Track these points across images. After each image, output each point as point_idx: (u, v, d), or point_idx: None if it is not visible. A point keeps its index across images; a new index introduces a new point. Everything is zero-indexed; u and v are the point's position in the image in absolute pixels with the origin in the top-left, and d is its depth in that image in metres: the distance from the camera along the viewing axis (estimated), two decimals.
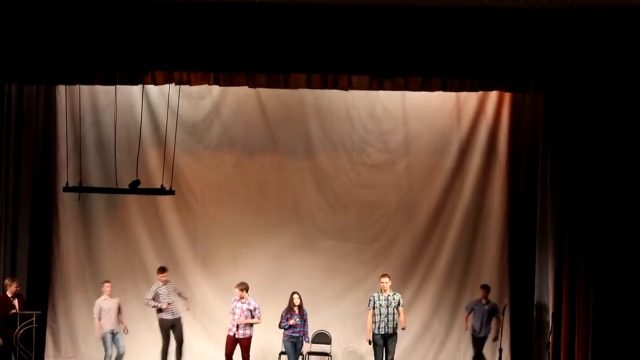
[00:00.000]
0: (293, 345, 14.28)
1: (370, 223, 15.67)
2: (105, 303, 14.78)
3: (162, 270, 14.94)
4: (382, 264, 15.38)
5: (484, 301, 14.84)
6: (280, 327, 14.31)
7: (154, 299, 14.75)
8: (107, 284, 14.89)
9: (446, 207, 15.54)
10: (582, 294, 13.42)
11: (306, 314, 14.33)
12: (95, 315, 14.75)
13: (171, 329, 14.86)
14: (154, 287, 14.81)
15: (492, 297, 15.23)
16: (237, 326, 14.21)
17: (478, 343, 14.93)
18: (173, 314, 14.86)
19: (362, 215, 15.68)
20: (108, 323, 14.71)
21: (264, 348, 15.07)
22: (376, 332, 14.23)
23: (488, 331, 14.82)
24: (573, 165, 13.58)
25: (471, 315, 14.97)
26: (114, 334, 14.73)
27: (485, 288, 14.93)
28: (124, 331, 14.80)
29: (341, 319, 15.44)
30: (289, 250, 15.69)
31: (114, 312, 14.76)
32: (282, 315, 14.30)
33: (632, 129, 13.20)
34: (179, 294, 15.01)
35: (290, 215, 15.73)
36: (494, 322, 14.81)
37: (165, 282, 14.86)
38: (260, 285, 15.03)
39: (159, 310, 14.78)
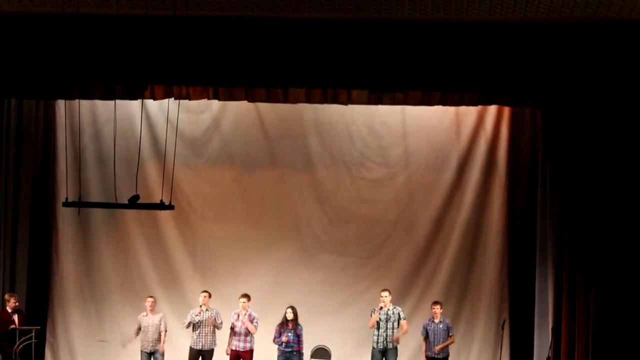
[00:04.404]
0: None
1: (369, 237, 15.65)
2: (145, 320, 14.45)
3: (203, 292, 14.46)
4: (382, 278, 15.37)
5: (437, 319, 14.50)
6: (274, 342, 14.29)
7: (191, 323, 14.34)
8: (149, 299, 14.57)
9: (445, 222, 15.51)
10: (581, 308, 13.40)
11: (301, 329, 14.28)
12: (133, 332, 14.46)
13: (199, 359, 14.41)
14: (191, 312, 14.37)
15: (492, 311, 15.24)
16: (239, 338, 14.21)
17: None
18: (202, 345, 14.32)
19: (361, 229, 15.66)
20: (145, 342, 14.39)
21: None
22: (375, 346, 14.23)
23: (447, 352, 14.46)
24: (572, 180, 13.57)
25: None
26: (152, 355, 14.39)
27: (438, 304, 14.55)
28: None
29: (340, 334, 15.40)
30: (288, 264, 15.68)
31: (152, 330, 14.38)
32: (275, 329, 14.29)
33: (631, 143, 13.22)
34: (215, 325, 14.37)
35: (290, 230, 15.72)
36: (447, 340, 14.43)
37: (205, 307, 14.30)
38: (260, 299, 14.98)
39: (194, 328, 14.28)
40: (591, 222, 13.39)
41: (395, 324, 14.24)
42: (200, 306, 14.33)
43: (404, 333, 14.37)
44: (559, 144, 13.71)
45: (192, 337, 14.36)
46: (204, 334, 14.29)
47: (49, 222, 15.76)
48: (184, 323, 14.40)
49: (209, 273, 15.77)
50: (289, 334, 14.16)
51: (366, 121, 15.62)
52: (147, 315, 14.46)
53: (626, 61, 13.06)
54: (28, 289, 15.28)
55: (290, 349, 14.21)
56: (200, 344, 14.31)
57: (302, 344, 14.30)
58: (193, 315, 14.32)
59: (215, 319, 14.33)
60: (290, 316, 14.20)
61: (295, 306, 14.35)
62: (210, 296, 14.45)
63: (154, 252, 15.81)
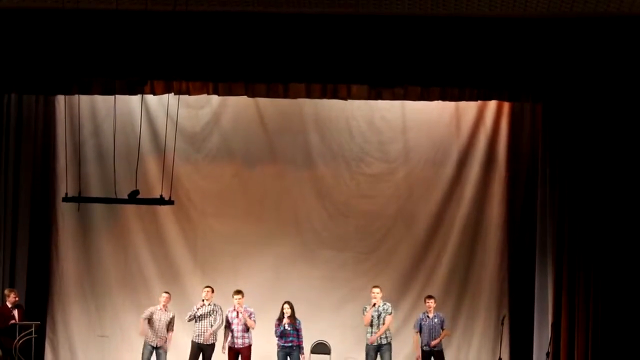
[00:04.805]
0: (285, 355, 14.27)
1: (369, 232, 15.65)
2: (158, 313, 14.46)
3: (207, 287, 14.48)
4: (382, 274, 15.38)
5: (431, 314, 14.48)
6: (276, 335, 14.29)
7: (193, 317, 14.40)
8: (164, 295, 14.58)
9: (445, 217, 15.51)
10: (581, 303, 13.41)
11: (300, 324, 14.28)
12: (144, 317, 14.40)
13: (200, 354, 14.42)
14: (194, 308, 14.39)
15: (492, 306, 15.25)
16: (237, 335, 14.19)
17: (438, 358, 14.47)
18: (203, 340, 14.35)
19: (361, 224, 15.66)
20: (152, 336, 14.43)
21: (263, 359, 15.03)
22: (368, 342, 14.23)
23: (441, 345, 14.44)
24: (573, 174, 13.58)
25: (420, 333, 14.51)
26: (155, 349, 14.44)
27: (432, 298, 14.54)
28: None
29: (340, 329, 15.39)
30: (288, 260, 15.67)
31: (162, 326, 14.43)
32: (275, 324, 14.30)
33: (631, 138, 13.22)
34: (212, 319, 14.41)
35: (290, 225, 15.72)
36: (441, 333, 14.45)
37: (208, 302, 14.35)
38: (260, 294, 15.02)
39: (196, 321, 14.36)
40: (591, 217, 13.40)
41: (386, 320, 14.26)
42: (203, 300, 14.35)
43: (385, 329, 14.32)
44: (559, 139, 13.72)
45: (194, 330, 14.40)
46: (205, 329, 14.33)
47: (49, 217, 15.75)
48: (186, 316, 14.42)
49: (209, 268, 15.76)
50: (289, 328, 14.14)
51: (366, 116, 15.61)
52: (161, 309, 14.49)
53: (626, 56, 13.06)
54: (28, 284, 15.29)
55: (290, 344, 14.21)
56: (202, 338, 14.35)
57: (301, 338, 14.29)
58: (195, 309, 14.35)
59: (212, 315, 14.36)
60: (287, 312, 14.17)
61: (295, 302, 14.33)
62: (213, 291, 14.46)
63: (154, 248, 15.81)
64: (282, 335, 14.19)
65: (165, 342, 14.47)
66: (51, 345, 15.75)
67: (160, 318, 14.44)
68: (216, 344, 14.50)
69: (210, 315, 14.35)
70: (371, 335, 14.24)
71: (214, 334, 14.41)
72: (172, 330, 14.56)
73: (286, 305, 14.21)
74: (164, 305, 14.51)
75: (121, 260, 15.81)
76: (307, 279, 15.60)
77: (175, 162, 13.45)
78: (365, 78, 13.57)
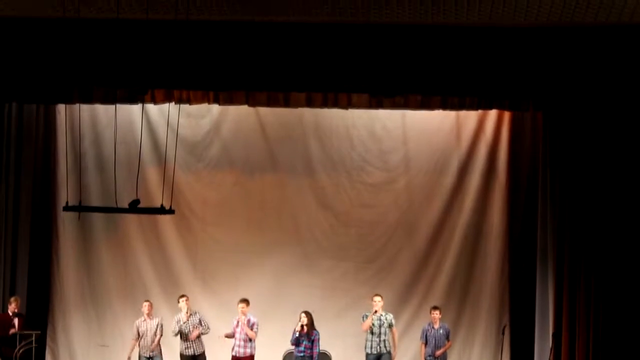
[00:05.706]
0: None
1: (370, 242, 15.64)
2: (144, 324, 14.42)
3: (182, 296, 14.41)
4: (382, 283, 15.36)
5: (436, 325, 14.50)
6: (290, 342, 14.22)
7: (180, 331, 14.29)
8: (146, 304, 14.56)
9: (446, 226, 15.49)
10: (582, 313, 13.40)
11: (316, 335, 14.11)
12: (133, 337, 14.40)
13: None
14: (176, 318, 14.33)
15: (493, 315, 15.22)
16: (239, 344, 14.13)
17: None
18: (194, 350, 14.32)
19: (362, 234, 15.64)
20: (144, 347, 14.36)
21: None
22: (369, 351, 14.23)
23: (445, 356, 14.48)
24: (573, 183, 13.58)
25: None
26: (150, 359, 14.42)
27: (437, 309, 14.55)
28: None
29: (341, 338, 15.33)
30: (289, 269, 15.66)
31: (151, 335, 14.38)
32: (293, 331, 14.16)
33: (632, 146, 13.22)
34: (200, 328, 14.35)
35: (290, 234, 15.70)
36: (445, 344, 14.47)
37: (189, 312, 14.26)
38: (260, 304, 14.96)
39: (182, 336, 14.29)
40: (592, 226, 13.40)
41: (387, 330, 14.24)
42: (187, 312, 14.27)
43: (391, 340, 14.33)
44: (559, 148, 13.73)
45: (182, 344, 14.32)
46: (192, 340, 14.28)
47: (50, 226, 15.76)
48: (173, 331, 14.32)
49: (210, 277, 15.76)
50: (302, 337, 14.06)
51: (366, 125, 15.61)
52: (145, 320, 14.45)
53: (626, 65, 13.07)
54: (29, 293, 15.29)
55: (302, 354, 14.09)
56: (192, 350, 14.30)
57: (315, 349, 14.09)
58: (181, 324, 14.23)
59: (200, 326, 14.31)
60: (303, 320, 14.05)
61: (296, 311, 14.22)
62: (188, 299, 14.42)
63: (155, 257, 15.80)
64: (296, 343, 14.12)
65: (158, 348, 14.45)
66: (52, 354, 15.73)
67: (147, 328, 14.39)
68: (205, 350, 14.44)
69: (197, 329, 14.28)
70: (370, 344, 14.20)
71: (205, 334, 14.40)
72: (161, 334, 14.47)
73: (302, 314, 14.11)
74: (147, 315, 14.45)
75: (122, 270, 15.80)
76: (308, 288, 15.58)
77: (176, 171, 13.46)
78: (366, 87, 13.59)
